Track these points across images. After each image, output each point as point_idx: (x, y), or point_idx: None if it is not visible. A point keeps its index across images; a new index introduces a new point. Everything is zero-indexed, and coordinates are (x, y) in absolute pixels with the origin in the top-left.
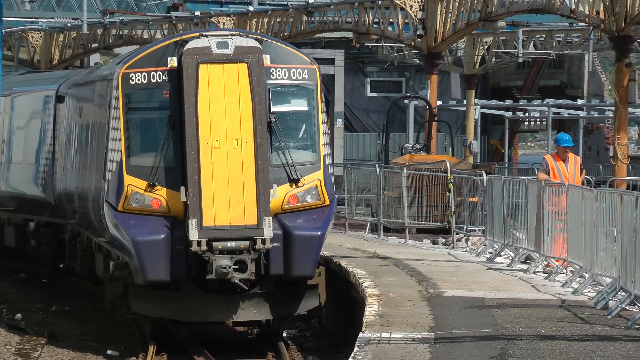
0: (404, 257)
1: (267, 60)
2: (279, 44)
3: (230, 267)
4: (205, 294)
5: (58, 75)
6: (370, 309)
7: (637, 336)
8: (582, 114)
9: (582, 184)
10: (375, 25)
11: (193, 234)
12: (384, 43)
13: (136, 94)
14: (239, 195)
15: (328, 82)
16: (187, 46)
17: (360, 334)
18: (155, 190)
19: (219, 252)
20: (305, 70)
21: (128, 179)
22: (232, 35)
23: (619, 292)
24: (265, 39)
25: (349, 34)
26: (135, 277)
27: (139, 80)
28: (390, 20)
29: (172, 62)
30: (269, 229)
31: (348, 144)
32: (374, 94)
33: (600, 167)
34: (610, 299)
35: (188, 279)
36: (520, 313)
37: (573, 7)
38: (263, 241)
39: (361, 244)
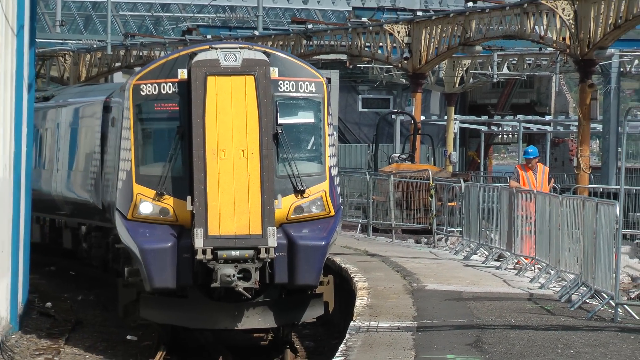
0: (390, 255)
1: (275, 73)
2: (287, 57)
3: (234, 275)
4: (211, 302)
5: (108, 87)
6: (360, 301)
7: (597, 326)
8: (549, 128)
9: (551, 191)
10: (366, 49)
11: (198, 242)
12: (374, 64)
13: (146, 104)
14: (244, 205)
15: None
16: (196, 58)
17: (352, 323)
18: (163, 199)
19: (223, 260)
20: (313, 84)
21: (137, 188)
22: (240, 48)
23: (581, 287)
24: (273, 52)
25: (343, 56)
26: (144, 284)
27: (149, 91)
28: (380, 44)
29: (182, 74)
30: (273, 239)
31: (341, 154)
32: (365, 110)
33: (565, 176)
34: (573, 293)
35: (194, 286)
36: (493, 305)
37: (542, 33)
38: (267, 250)
39: (352, 243)
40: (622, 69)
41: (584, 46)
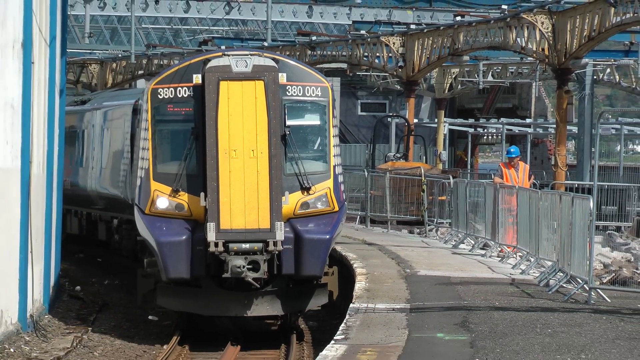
0: (386, 244)
1: (283, 78)
2: (294, 63)
3: (244, 266)
4: (223, 291)
5: (139, 91)
6: (359, 285)
7: (572, 308)
8: (529, 130)
9: (531, 186)
10: (365, 58)
11: (211, 236)
12: (372, 72)
13: (163, 107)
14: (253, 201)
15: None
16: (209, 64)
17: (351, 305)
18: (179, 195)
19: (234, 252)
20: (319, 88)
21: (154, 185)
22: (251, 55)
23: (558, 273)
24: (282, 58)
25: (344, 65)
26: (160, 274)
27: (166, 95)
28: (377, 54)
29: (197, 79)
30: (280, 232)
31: (342, 153)
32: (364, 113)
33: (544, 173)
34: (550, 279)
35: (207, 276)
36: (478, 289)
37: (523, 44)
38: (275, 243)
39: (352, 233)
40: (595, 77)
41: (561, 56)
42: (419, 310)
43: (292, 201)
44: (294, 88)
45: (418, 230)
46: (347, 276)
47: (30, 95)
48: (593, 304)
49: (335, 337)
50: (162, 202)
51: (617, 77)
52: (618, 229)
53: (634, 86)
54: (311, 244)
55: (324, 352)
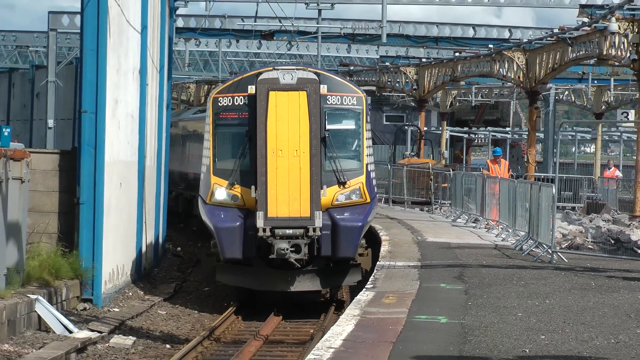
0: (403, 218)
1: (324, 89)
2: (334, 76)
3: (287, 249)
4: (270, 270)
5: None
6: (384, 248)
7: (539, 266)
8: (508, 136)
9: (509, 177)
10: (389, 82)
11: (260, 222)
12: (394, 93)
13: (222, 113)
14: (296, 194)
15: None
16: (261, 77)
17: (378, 263)
18: (234, 188)
19: (279, 237)
20: (354, 98)
21: (214, 179)
22: (296, 69)
23: (529, 240)
24: (323, 72)
25: (373, 87)
26: (219, 255)
27: (225, 103)
28: (398, 80)
29: (251, 89)
30: (319, 220)
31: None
32: (388, 123)
33: (519, 167)
34: (523, 244)
35: (257, 257)
36: (471, 252)
37: (504, 73)
38: (314, 229)
39: (379, 210)
40: (556, 97)
41: (532, 82)
42: (427, 267)
43: (330, 194)
44: (333, 97)
45: (427, 208)
46: (374, 242)
47: (145, 108)
48: (555, 263)
49: (366, 286)
50: (220, 194)
51: (573, 97)
52: (573, 208)
53: (585, 104)
54: (345, 230)
55: (358, 296)
